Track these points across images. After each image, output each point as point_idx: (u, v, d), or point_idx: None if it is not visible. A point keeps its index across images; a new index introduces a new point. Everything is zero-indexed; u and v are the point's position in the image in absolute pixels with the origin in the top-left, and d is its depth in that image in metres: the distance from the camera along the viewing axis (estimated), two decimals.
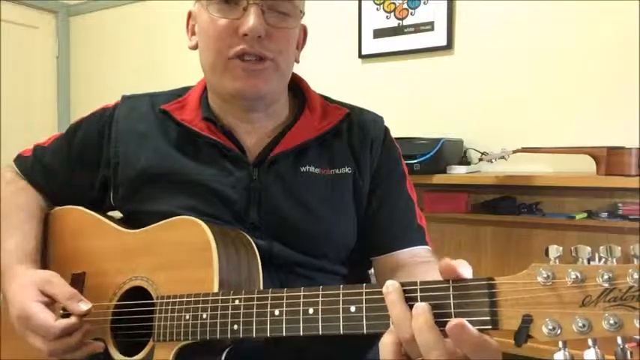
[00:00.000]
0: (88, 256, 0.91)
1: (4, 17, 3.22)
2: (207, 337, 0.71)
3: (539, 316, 0.50)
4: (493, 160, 1.89)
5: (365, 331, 0.59)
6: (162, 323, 0.75)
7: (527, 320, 0.51)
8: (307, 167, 0.91)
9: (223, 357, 0.74)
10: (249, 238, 0.82)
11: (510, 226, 2.07)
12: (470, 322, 0.52)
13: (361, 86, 2.51)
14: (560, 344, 0.50)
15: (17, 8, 3.32)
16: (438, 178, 1.99)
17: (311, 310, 0.63)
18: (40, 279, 0.82)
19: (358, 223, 0.93)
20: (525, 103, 2.14)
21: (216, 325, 0.70)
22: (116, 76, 3.36)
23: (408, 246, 0.92)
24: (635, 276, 0.46)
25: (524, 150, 1.89)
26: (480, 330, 0.52)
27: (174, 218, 0.82)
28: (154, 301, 0.78)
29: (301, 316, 0.63)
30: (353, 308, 0.60)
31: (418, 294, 0.56)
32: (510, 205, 2.02)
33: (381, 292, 0.58)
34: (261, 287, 0.78)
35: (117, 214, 0.97)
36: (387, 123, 1.00)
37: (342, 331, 0.60)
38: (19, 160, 1.06)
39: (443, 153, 1.98)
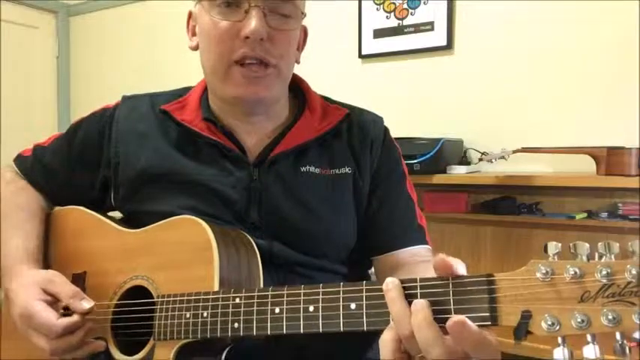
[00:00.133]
0: (88, 256, 0.91)
1: (4, 17, 3.22)
2: (208, 336, 0.71)
3: (538, 311, 0.51)
4: (493, 160, 1.89)
5: (365, 328, 0.59)
6: (162, 322, 0.75)
7: (526, 316, 0.51)
8: (307, 167, 0.91)
9: (224, 356, 0.74)
10: (250, 237, 0.82)
11: (510, 226, 2.07)
12: (469, 318, 0.52)
13: (361, 86, 2.51)
14: (560, 340, 0.50)
15: (17, 8, 3.32)
16: (438, 178, 1.99)
17: (311, 308, 0.63)
18: (42, 278, 0.83)
19: (358, 223, 0.94)
20: (525, 103, 2.14)
21: (217, 324, 0.70)
22: (116, 76, 3.36)
23: (409, 245, 0.92)
24: (634, 272, 0.47)
25: (524, 150, 1.89)
26: (480, 326, 0.52)
27: (174, 218, 0.83)
28: (155, 300, 0.78)
29: (301, 314, 0.63)
30: (353, 305, 0.60)
31: (418, 291, 0.57)
32: (510, 205, 2.02)
33: (381, 290, 0.58)
34: (262, 286, 0.78)
35: (117, 214, 0.97)
36: (387, 123, 1.00)
37: (342, 329, 0.61)
38: (19, 160, 1.06)
39: (443, 153, 1.98)
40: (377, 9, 2.47)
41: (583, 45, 2.02)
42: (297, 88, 0.99)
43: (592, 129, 2.00)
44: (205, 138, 0.90)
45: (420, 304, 0.55)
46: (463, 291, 0.54)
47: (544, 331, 0.50)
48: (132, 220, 0.91)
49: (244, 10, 0.82)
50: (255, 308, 0.67)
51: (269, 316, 0.66)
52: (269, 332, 0.66)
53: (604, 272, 0.48)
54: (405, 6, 2.39)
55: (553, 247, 0.52)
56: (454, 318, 0.52)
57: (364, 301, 0.60)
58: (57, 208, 1.00)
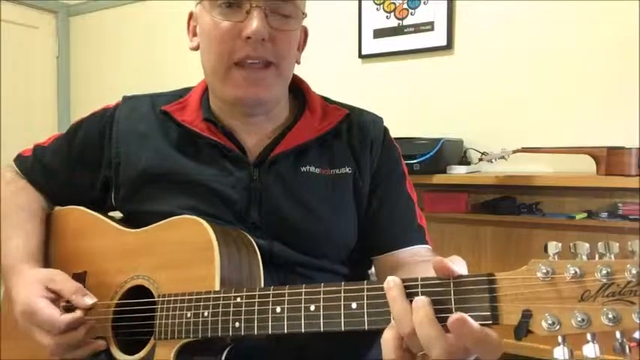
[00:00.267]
0: (89, 256, 0.91)
1: (4, 17, 3.22)
2: (209, 335, 0.71)
3: (538, 311, 0.51)
4: (493, 160, 1.89)
5: (366, 327, 0.59)
6: (163, 321, 0.75)
7: (526, 315, 0.51)
8: (307, 167, 0.91)
9: (224, 355, 0.74)
10: (250, 237, 0.83)
11: (510, 226, 2.08)
12: (471, 317, 0.52)
13: (361, 86, 2.52)
14: (560, 339, 0.50)
15: (17, 8, 3.32)
16: (438, 178, 1.99)
17: (312, 307, 0.63)
18: (44, 276, 0.83)
19: (358, 223, 0.94)
20: (525, 103, 2.14)
21: (218, 323, 0.70)
22: (116, 76, 3.36)
23: (409, 245, 0.92)
24: (633, 271, 0.47)
25: (524, 150, 1.90)
26: (481, 325, 0.53)
27: (175, 217, 0.83)
28: (156, 299, 0.78)
29: (303, 313, 0.64)
30: (354, 305, 0.61)
31: (419, 289, 0.57)
32: (510, 205, 2.02)
33: (381, 289, 0.58)
34: (262, 286, 0.78)
35: (117, 214, 0.97)
36: (387, 123, 1.01)
37: (343, 328, 0.61)
38: (19, 160, 1.06)
39: (443, 153, 1.99)
40: (377, 9, 2.47)
41: (583, 45, 2.03)
42: (297, 89, 1.00)
43: (592, 129, 2.00)
44: (205, 138, 0.90)
45: (421, 302, 0.55)
46: (464, 290, 0.55)
47: (544, 330, 0.50)
48: (132, 220, 0.91)
49: (245, 10, 0.82)
50: (256, 308, 0.67)
51: (270, 315, 0.66)
52: (270, 332, 0.66)
53: (604, 272, 0.48)
54: (405, 6, 2.40)
55: (553, 246, 0.53)
56: (454, 315, 0.52)
57: (365, 301, 0.60)
58: (57, 208, 1.00)
